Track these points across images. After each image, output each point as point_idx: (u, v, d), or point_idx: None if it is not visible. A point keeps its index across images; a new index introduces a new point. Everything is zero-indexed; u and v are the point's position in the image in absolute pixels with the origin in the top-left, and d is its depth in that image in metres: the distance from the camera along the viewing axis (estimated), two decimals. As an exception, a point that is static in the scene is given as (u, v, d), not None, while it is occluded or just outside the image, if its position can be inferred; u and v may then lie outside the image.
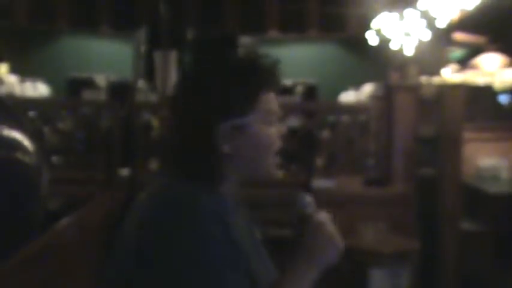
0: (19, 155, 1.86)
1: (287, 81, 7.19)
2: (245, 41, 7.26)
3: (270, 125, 1.22)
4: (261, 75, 1.23)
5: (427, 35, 5.70)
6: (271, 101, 1.24)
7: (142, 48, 6.86)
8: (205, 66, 1.25)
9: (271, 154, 1.23)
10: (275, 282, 1.18)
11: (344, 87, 6.86)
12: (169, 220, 1.12)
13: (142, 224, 1.16)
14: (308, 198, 1.22)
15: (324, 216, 1.20)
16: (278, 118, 1.25)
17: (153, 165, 3.97)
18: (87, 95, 6.49)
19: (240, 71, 1.22)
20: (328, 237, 1.18)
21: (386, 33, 6.43)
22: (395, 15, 6.10)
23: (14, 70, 6.45)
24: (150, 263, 1.11)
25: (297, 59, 7.66)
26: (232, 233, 1.15)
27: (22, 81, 6.29)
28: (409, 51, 6.12)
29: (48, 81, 6.67)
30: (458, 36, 5.49)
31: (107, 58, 7.40)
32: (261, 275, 1.19)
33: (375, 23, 6.62)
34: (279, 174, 1.26)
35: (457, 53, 5.52)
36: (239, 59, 1.25)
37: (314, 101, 6.92)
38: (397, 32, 6.16)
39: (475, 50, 5.29)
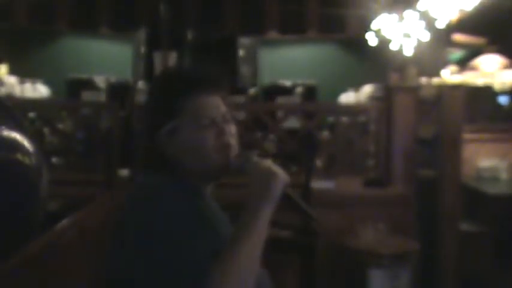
0: (19, 156, 1.86)
1: (287, 82, 7.20)
2: (245, 41, 7.27)
3: (203, 128, 1.29)
4: (180, 84, 1.32)
5: (426, 36, 5.71)
6: (204, 105, 1.30)
7: (142, 49, 6.87)
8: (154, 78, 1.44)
9: (208, 154, 1.29)
10: (235, 228, 1.23)
11: (344, 88, 6.86)
12: (136, 203, 1.26)
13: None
14: (248, 154, 1.31)
15: (260, 159, 1.29)
16: (225, 119, 1.32)
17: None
18: (87, 96, 6.49)
19: (166, 80, 1.37)
20: (267, 170, 1.26)
21: (385, 34, 6.44)
22: (394, 16, 6.10)
23: (13, 71, 6.45)
24: (127, 239, 1.22)
25: (297, 60, 7.67)
26: (198, 210, 1.25)
27: (22, 82, 6.29)
28: (408, 52, 6.12)
29: (48, 82, 6.67)
30: (458, 37, 5.49)
31: (106, 59, 7.40)
32: None
33: (374, 24, 6.62)
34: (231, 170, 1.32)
35: (457, 54, 5.52)
36: (171, 71, 1.44)
37: (314, 101, 6.91)
38: (397, 33, 6.17)
39: (474, 51, 5.29)
